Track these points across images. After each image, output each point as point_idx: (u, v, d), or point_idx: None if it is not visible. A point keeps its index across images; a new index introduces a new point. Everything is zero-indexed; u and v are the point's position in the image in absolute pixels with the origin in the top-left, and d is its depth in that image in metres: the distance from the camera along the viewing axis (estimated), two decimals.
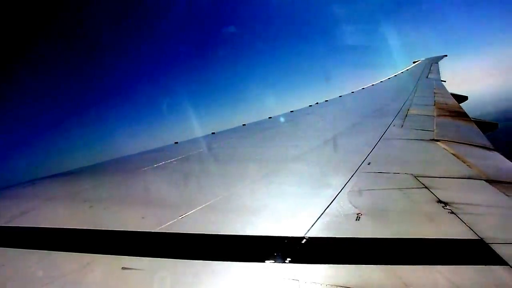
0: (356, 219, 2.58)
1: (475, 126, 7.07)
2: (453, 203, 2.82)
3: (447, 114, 8.29)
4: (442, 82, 15.05)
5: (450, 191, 3.20)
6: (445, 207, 2.74)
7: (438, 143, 5.20)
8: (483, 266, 1.97)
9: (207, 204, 3.13)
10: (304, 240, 2.30)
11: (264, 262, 2.04)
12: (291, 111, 9.01)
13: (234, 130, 7.10)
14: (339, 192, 3.13)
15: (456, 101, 10.70)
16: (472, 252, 2.13)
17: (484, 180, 3.48)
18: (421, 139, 5.53)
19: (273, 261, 2.04)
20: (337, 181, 3.42)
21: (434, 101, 9.87)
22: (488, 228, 2.39)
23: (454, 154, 4.56)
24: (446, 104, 9.83)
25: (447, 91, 12.57)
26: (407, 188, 3.24)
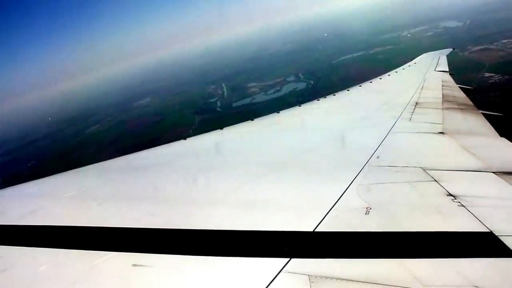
0: (366, 213, 2.59)
1: (483, 118, 6.99)
2: (463, 196, 2.82)
3: (455, 106, 8.20)
4: (450, 75, 14.87)
5: (460, 184, 3.19)
6: (455, 200, 2.74)
7: (446, 135, 5.16)
8: (493, 258, 1.98)
9: (216, 200, 3.16)
10: (314, 234, 2.33)
11: (274, 257, 2.06)
12: (299, 105, 8.98)
13: (241, 126, 7.10)
14: (348, 186, 3.14)
15: (464, 93, 10.58)
16: (482, 244, 2.13)
17: (493, 172, 3.46)
18: (429, 132, 5.50)
19: (283, 256, 2.06)
20: (346, 175, 3.42)
21: (442, 94, 9.77)
22: (498, 220, 2.39)
23: (462, 147, 4.54)
24: (454, 96, 9.71)
25: (455, 84, 12.42)
26: (416, 182, 3.23)
